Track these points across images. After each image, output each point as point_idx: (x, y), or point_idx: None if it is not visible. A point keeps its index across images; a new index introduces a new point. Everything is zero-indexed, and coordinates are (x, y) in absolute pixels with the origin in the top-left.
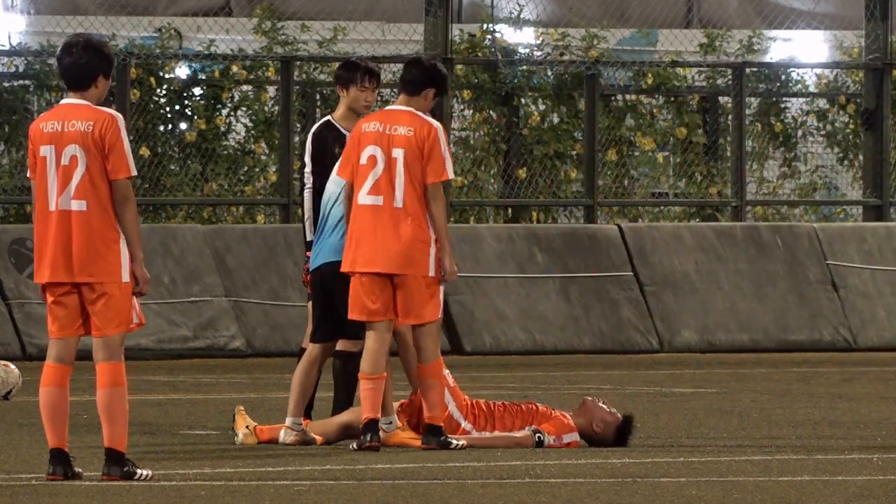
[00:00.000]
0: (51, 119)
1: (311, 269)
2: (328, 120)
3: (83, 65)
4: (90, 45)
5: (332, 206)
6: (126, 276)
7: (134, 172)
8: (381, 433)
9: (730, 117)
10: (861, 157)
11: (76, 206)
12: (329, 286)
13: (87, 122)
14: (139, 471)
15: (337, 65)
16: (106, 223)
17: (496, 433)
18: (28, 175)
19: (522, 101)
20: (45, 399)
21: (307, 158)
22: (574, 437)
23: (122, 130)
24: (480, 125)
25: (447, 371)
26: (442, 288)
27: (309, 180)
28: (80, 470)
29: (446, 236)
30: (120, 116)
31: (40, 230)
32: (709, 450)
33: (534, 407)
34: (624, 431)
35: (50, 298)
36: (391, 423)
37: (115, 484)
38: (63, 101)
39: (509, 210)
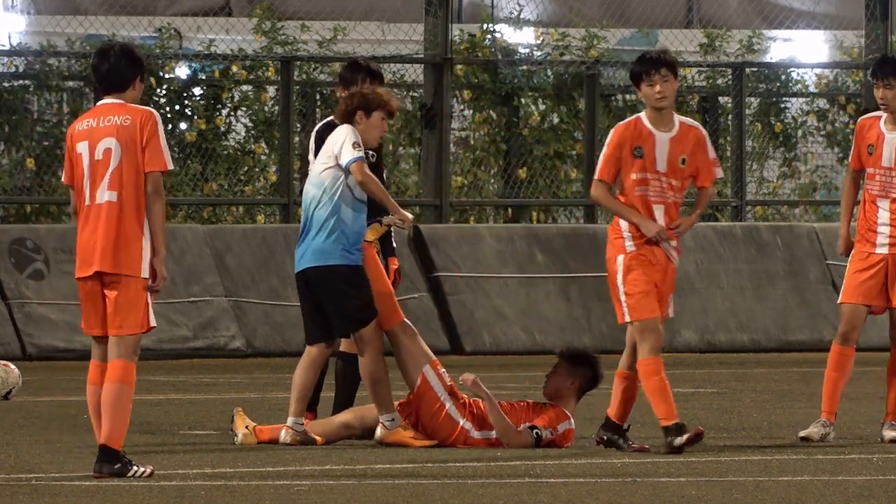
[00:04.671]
0: (86, 118)
1: (296, 272)
2: (331, 120)
3: (122, 69)
4: (125, 50)
5: (315, 208)
6: (145, 272)
7: (170, 166)
8: (380, 428)
9: (730, 117)
10: None
11: (109, 196)
12: (315, 289)
13: (124, 117)
14: (136, 468)
15: (337, 65)
16: (133, 216)
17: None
18: (63, 180)
19: (522, 101)
20: (88, 397)
21: (311, 157)
22: (569, 424)
23: (159, 125)
24: (480, 125)
25: (443, 370)
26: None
27: None
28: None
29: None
30: (156, 113)
31: (78, 227)
32: (709, 450)
33: (524, 404)
34: (584, 360)
35: (81, 294)
36: (393, 419)
37: (116, 483)
38: (100, 103)
39: (509, 210)
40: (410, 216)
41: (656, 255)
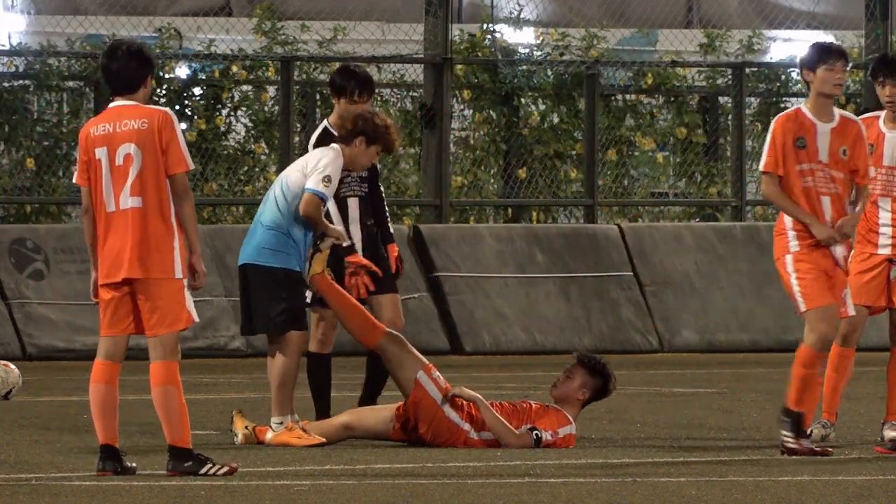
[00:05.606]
0: (101, 122)
1: (238, 265)
2: (325, 126)
3: (132, 70)
4: (134, 50)
5: (271, 206)
6: (179, 273)
7: (191, 166)
8: (269, 432)
9: (730, 117)
10: None
11: (133, 202)
12: (248, 285)
13: (141, 120)
14: (210, 465)
15: (337, 65)
16: (160, 219)
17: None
18: (75, 181)
19: (522, 101)
20: (94, 395)
21: None
22: (570, 429)
23: (176, 126)
24: (480, 125)
25: (437, 374)
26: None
27: None
28: (132, 465)
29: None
30: (172, 113)
31: (100, 233)
32: (709, 450)
33: (527, 405)
34: (601, 373)
35: (103, 296)
36: (281, 423)
37: (116, 483)
38: (113, 105)
39: (509, 210)
40: (342, 229)
41: (819, 256)
